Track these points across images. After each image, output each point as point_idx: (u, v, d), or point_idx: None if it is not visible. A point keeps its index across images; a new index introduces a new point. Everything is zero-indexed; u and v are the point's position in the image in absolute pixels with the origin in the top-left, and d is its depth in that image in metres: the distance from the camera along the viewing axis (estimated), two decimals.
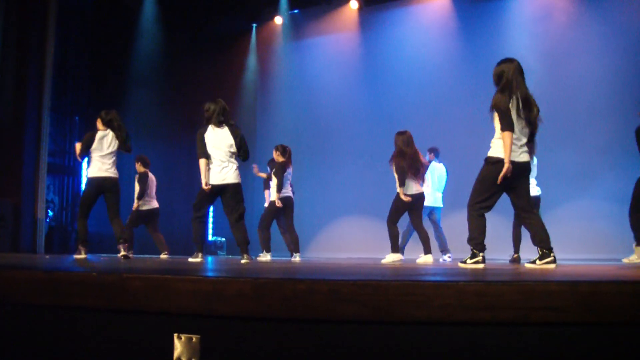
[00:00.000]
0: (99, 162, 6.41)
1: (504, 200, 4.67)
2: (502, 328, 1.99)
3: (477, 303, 2.00)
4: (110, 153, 6.48)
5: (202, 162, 5.98)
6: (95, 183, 6.41)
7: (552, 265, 4.40)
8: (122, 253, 6.32)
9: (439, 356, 2.03)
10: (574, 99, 9.69)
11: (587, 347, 1.94)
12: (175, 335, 2.25)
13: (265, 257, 7.89)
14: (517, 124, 4.45)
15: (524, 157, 4.52)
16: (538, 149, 7.15)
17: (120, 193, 6.58)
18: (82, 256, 6.21)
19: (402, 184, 7.08)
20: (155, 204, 8.74)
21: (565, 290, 1.96)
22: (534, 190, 7.09)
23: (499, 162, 4.42)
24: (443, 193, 8.81)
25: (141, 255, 8.82)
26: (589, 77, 9.73)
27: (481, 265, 4.47)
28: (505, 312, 1.98)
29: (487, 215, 4.58)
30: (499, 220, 7.52)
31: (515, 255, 7.12)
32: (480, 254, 4.50)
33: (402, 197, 7.05)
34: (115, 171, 6.55)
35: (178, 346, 2.24)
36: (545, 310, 1.95)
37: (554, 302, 1.95)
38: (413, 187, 7.16)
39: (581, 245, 9.04)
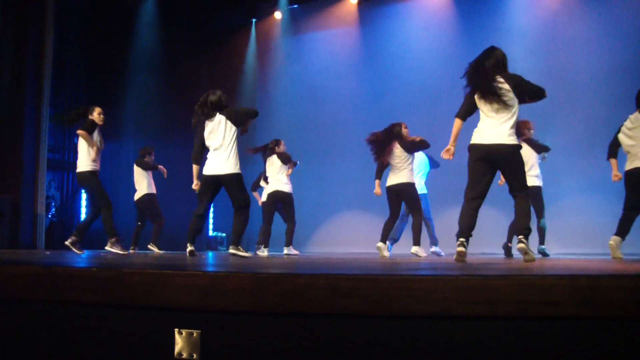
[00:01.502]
0: (97, 155, 6.46)
1: (501, 193, 4.68)
2: (500, 322, 1.99)
3: (475, 297, 2.00)
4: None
5: None
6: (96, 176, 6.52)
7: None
8: (122, 251, 6.33)
9: (437, 350, 2.03)
10: (566, 91, 9.65)
11: (586, 341, 1.94)
12: (176, 330, 2.26)
13: (263, 252, 7.89)
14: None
15: None
16: None
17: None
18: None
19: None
20: (143, 191, 8.65)
21: (564, 285, 1.96)
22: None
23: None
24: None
25: (141, 251, 8.81)
26: (583, 69, 9.70)
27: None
28: (504, 306, 1.97)
29: (483, 209, 4.56)
30: (494, 215, 7.52)
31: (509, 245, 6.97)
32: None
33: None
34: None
35: (179, 341, 2.25)
36: (544, 304, 1.95)
37: (553, 297, 1.95)
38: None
39: (580, 239, 9.02)
